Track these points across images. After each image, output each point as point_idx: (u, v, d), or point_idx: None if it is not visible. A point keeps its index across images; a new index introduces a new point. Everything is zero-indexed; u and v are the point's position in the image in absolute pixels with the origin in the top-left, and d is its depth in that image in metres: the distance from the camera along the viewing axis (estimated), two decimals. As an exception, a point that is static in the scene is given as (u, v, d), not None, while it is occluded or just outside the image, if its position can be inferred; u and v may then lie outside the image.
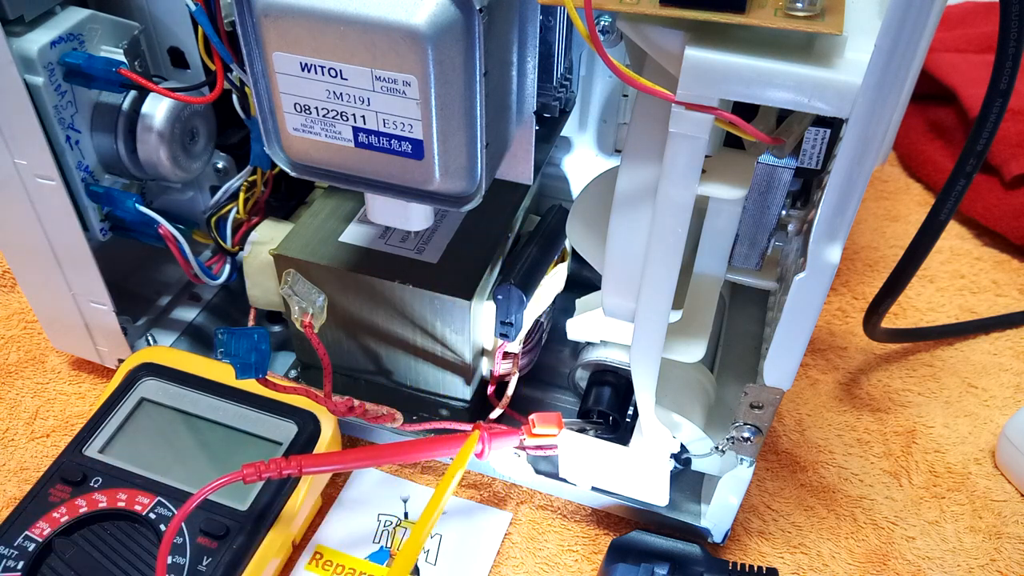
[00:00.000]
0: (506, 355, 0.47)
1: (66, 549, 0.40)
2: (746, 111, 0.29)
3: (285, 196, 0.51)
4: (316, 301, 0.43)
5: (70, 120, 0.41)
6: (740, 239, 0.34)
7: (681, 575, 0.41)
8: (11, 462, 0.49)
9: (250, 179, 0.48)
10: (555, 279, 0.48)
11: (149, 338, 0.53)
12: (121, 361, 0.50)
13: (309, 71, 0.31)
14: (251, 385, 0.44)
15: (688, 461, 0.43)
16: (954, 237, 0.69)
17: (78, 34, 0.40)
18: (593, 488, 0.46)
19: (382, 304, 0.45)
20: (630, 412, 0.47)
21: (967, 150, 0.40)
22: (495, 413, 0.48)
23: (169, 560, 0.39)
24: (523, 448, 0.45)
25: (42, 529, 0.40)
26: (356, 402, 0.45)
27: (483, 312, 0.45)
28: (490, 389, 0.48)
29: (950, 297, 0.63)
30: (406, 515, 0.46)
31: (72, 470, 0.43)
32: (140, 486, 0.42)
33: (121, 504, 0.41)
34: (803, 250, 0.31)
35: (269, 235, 0.48)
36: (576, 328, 0.46)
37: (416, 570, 0.44)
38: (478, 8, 0.28)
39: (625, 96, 0.50)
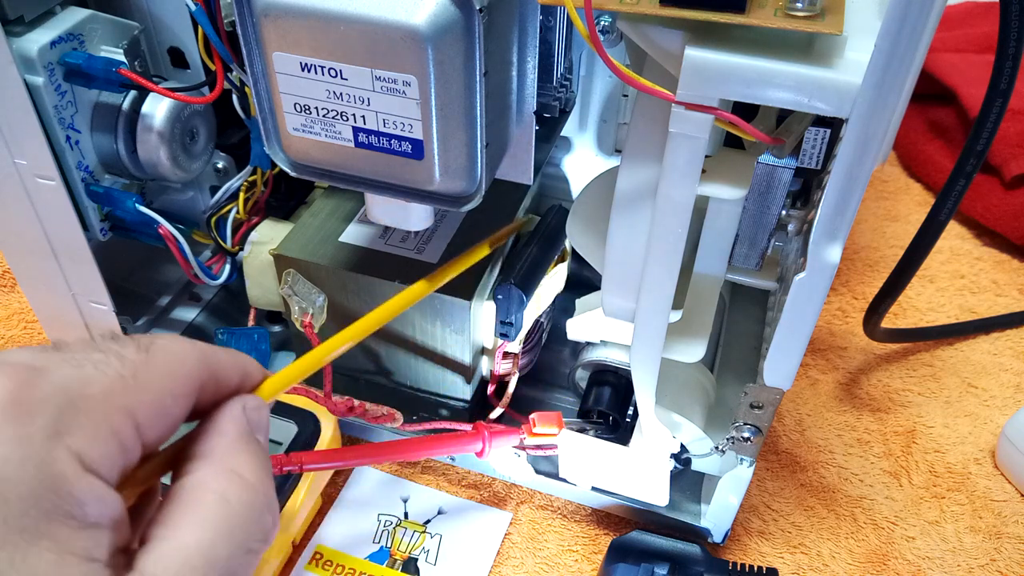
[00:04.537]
0: (506, 355, 0.47)
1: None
2: (746, 111, 0.29)
3: (285, 196, 0.51)
4: (316, 301, 0.43)
5: (70, 120, 0.41)
6: (740, 239, 0.34)
7: (681, 575, 0.41)
8: (11, 462, 0.49)
9: (250, 179, 0.48)
10: (555, 279, 0.48)
11: (149, 338, 0.53)
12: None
13: (309, 71, 0.31)
14: (251, 385, 0.44)
15: (688, 461, 0.43)
16: (954, 237, 0.69)
17: (78, 34, 0.40)
18: (593, 488, 0.46)
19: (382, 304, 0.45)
20: (630, 412, 0.47)
21: (967, 150, 0.40)
22: (495, 413, 0.48)
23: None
24: (523, 448, 0.45)
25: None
26: (356, 402, 0.45)
27: (483, 312, 0.45)
28: (490, 389, 0.48)
29: (950, 297, 0.63)
30: (406, 515, 0.46)
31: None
32: (140, 486, 0.42)
33: (121, 504, 0.41)
34: (803, 250, 0.31)
35: (269, 235, 0.48)
36: (576, 328, 0.46)
37: (416, 570, 0.44)
38: (478, 8, 0.28)
39: (625, 96, 0.50)
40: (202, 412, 0.25)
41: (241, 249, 0.48)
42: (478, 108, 0.31)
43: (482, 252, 0.43)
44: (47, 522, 0.19)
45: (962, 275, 0.65)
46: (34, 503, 0.19)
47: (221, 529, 0.22)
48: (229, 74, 0.41)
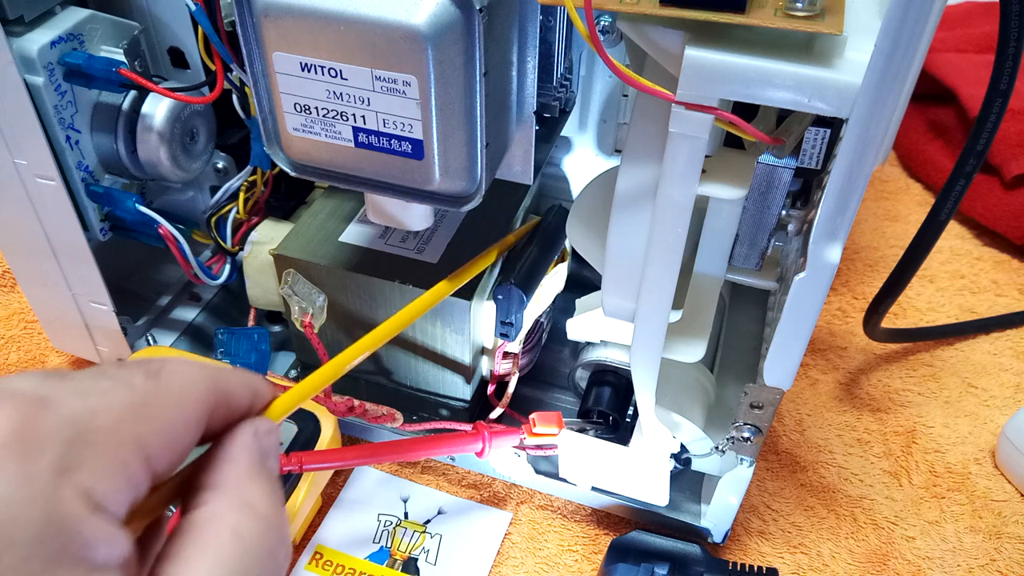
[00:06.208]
0: (506, 355, 0.47)
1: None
2: (746, 111, 0.29)
3: (285, 196, 0.51)
4: (316, 301, 0.43)
5: (70, 120, 0.41)
6: (740, 239, 0.34)
7: (681, 575, 0.41)
8: (11, 462, 0.49)
9: (250, 179, 0.48)
10: (555, 279, 0.48)
11: (149, 338, 0.53)
12: (121, 361, 0.50)
13: (309, 71, 0.31)
14: (251, 385, 0.44)
15: (688, 461, 0.43)
16: (954, 237, 0.69)
17: (78, 34, 0.40)
18: (593, 488, 0.46)
19: (382, 304, 0.45)
20: (630, 412, 0.47)
21: (967, 150, 0.40)
22: (495, 413, 0.48)
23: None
24: (523, 448, 0.45)
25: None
26: (356, 402, 0.45)
27: (483, 312, 0.45)
28: (490, 389, 0.48)
29: (950, 297, 0.63)
30: (406, 515, 0.46)
31: (72, 470, 0.43)
32: (140, 486, 0.42)
33: (121, 504, 0.41)
34: (803, 250, 0.31)
35: (269, 235, 0.48)
36: (576, 328, 0.46)
37: (416, 570, 0.44)
38: (478, 8, 0.28)
39: (625, 96, 0.50)
40: (212, 436, 0.24)
41: (241, 249, 0.49)
42: (478, 108, 0.31)
43: (491, 256, 0.43)
44: (54, 566, 0.18)
45: (962, 275, 0.65)
46: (40, 546, 0.18)
47: (234, 568, 0.21)
48: (229, 74, 0.41)
